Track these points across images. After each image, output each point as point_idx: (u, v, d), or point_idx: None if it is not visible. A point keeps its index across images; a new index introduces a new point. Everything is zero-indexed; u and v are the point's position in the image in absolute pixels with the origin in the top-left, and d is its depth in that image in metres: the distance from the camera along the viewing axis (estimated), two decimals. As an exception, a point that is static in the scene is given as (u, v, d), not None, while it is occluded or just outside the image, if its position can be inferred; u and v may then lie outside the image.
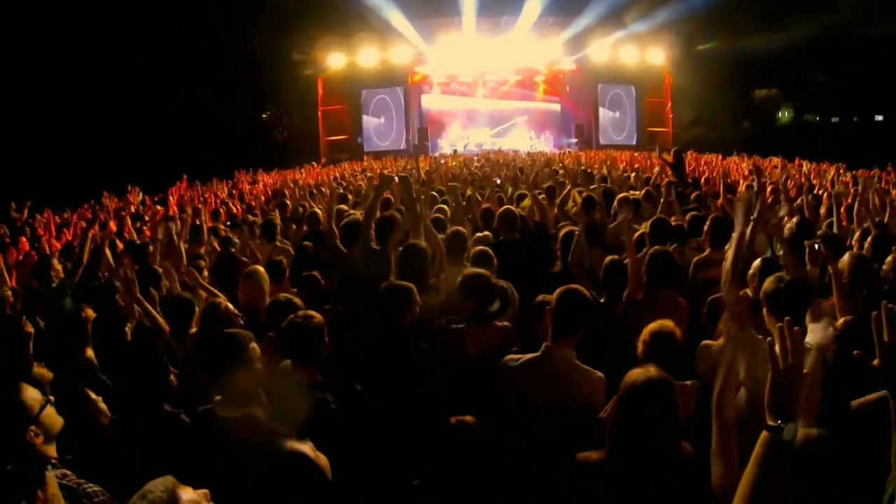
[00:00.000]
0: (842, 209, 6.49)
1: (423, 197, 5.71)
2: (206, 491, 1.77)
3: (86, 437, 2.78)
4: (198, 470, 2.60)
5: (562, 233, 5.15)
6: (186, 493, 1.69)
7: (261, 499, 2.13)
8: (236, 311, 3.91)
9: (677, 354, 3.10)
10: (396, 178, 5.74)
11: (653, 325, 3.15)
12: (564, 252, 4.88)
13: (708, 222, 5.31)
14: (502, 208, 6.07)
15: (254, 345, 2.82)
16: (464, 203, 7.33)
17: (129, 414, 3.20)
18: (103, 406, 2.99)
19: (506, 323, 3.86)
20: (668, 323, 3.16)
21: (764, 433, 1.62)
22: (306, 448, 2.15)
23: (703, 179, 11.25)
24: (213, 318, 3.77)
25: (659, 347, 3.07)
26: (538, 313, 3.54)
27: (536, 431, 3.07)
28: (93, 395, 2.95)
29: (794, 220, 5.36)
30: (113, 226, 8.73)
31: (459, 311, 3.78)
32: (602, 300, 4.28)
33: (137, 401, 3.34)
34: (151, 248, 5.89)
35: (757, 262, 3.99)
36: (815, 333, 3.35)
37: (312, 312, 3.20)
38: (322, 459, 2.16)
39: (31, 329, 3.90)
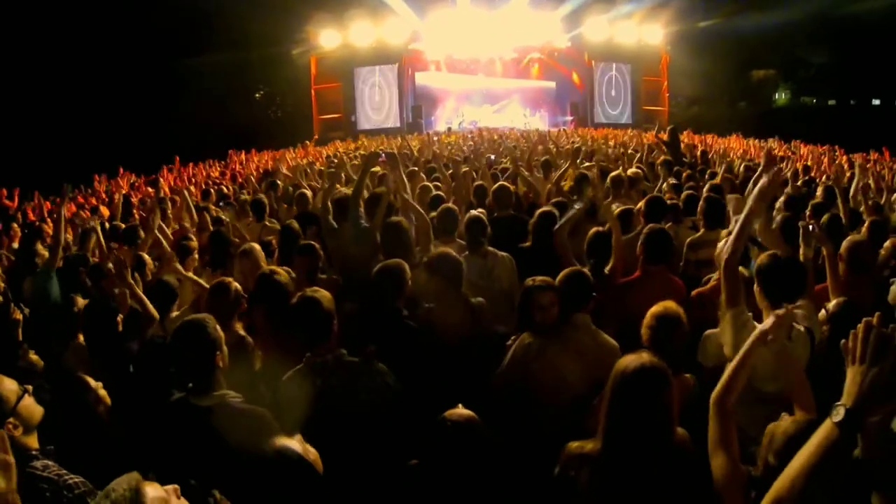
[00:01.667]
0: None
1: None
2: (176, 486, 1.72)
3: (81, 426, 2.73)
4: (186, 462, 2.58)
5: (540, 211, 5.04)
6: (153, 489, 1.63)
7: (251, 498, 2.07)
8: (243, 293, 3.83)
9: (684, 339, 3.01)
10: (383, 156, 5.68)
11: (657, 309, 3.03)
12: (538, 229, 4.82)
13: (702, 202, 5.25)
14: (497, 184, 6.00)
15: (218, 328, 2.75)
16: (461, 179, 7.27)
17: (132, 403, 3.15)
18: (103, 393, 2.93)
19: (480, 299, 3.81)
20: (671, 305, 3.06)
21: (830, 421, 1.48)
22: (294, 443, 2.10)
23: (699, 153, 11.21)
24: (222, 296, 3.67)
25: (665, 332, 2.97)
26: (529, 297, 3.48)
27: (564, 400, 3.08)
28: (93, 383, 2.89)
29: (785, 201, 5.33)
30: (105, 210, 8.65)
31: (428, 290, 3.74)
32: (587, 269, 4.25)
33: (141, 389, 3.29)
34: (141, 232, 5.82)
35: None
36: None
37: (318, 289, 3.14)
38: (312, 454, 2.11)
39: (19, 316, 3.85)
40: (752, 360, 2.16)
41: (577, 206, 4.69)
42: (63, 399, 2.74)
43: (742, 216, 3.04)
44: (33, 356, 3.44)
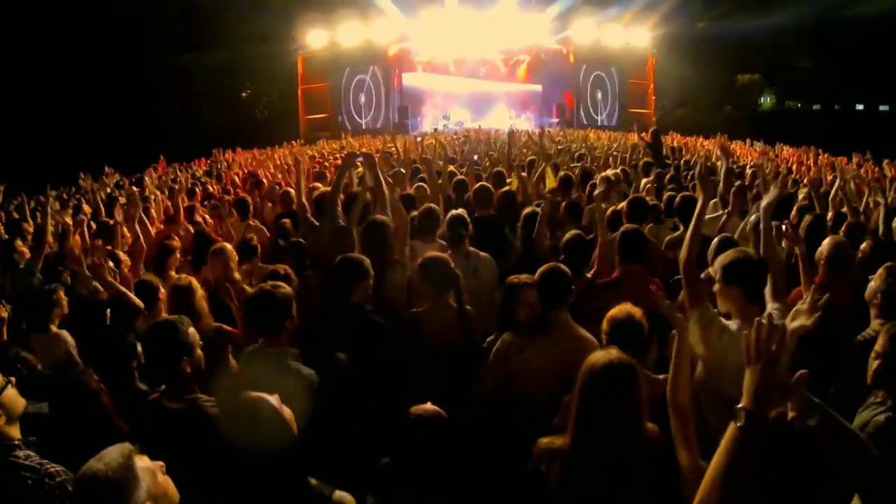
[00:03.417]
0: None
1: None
2: (161, 463, 1.78)
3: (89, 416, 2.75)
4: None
5: (525, 212, 5.10)
6: (142, 460, 1.72)
7: (231, 452, 2.06)
8: (202, 293, 3.82)
9: (642, 340, 2.99)
10: (360, 156, 5.70)
11: (614, 311, 3.01)
12: (527, 232, 4.86)
13: (678, 200, 5.31)
14: (478, 184, 6.02)
15: (192, 330, 2.75)
16: (440, 181, 7.26)
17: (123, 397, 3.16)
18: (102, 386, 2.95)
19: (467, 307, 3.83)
20: (628, 308, 3.02)
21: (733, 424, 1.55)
22: (272, 398, 2.12)
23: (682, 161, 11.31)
24: (181, 296, 3.69)
25: (620, 335, 2.93)
26: (512, 295, 3.49)
27: (545, 396, 3.06)
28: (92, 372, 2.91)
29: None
30: (87, 208, 8.60)
31: (418, 293, 3.75)
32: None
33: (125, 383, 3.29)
34: (121, 230, 5.80)
35: (714, 240, 4.01)
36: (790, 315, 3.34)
37: (281, 283, 3.17)
38: (287, 413, 2.12)
39: (4, 313, 3.85)
40: (688, 354, 2.21)
41: (540, 203, 4.72)
42: (64, 389, 2.74)
43: (694, 216, 3.10)
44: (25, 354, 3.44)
